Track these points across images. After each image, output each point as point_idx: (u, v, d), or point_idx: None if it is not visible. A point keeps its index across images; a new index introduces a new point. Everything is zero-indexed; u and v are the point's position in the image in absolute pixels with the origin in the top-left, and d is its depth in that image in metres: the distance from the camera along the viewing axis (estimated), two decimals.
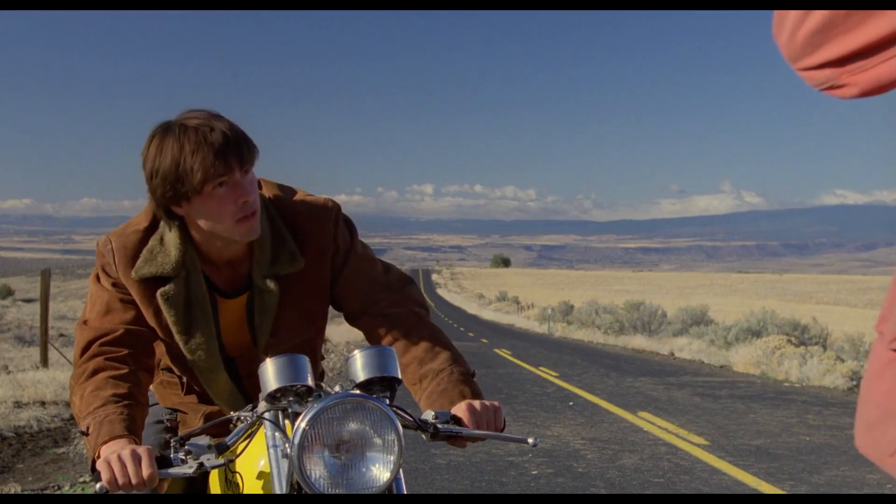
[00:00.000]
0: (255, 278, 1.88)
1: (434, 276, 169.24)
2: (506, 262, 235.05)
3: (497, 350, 21.81)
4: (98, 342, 1.78)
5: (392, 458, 1.49)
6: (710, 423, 8.64)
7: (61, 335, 18.33)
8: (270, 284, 1.87)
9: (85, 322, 1.84)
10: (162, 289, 1.85)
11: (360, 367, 1.61)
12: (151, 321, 1.87)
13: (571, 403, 10.28)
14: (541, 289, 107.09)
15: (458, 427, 1.71)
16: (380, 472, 1.49)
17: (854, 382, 12.50)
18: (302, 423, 1.45)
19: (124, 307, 1.85)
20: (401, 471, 1.57)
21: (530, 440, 1.72)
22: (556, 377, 13.94)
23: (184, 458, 1.50)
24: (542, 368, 15.73)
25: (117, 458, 1.50)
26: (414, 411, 1.74)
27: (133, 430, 1.61)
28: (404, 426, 1.64)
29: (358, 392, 1.53)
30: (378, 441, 1.49)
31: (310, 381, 1.54)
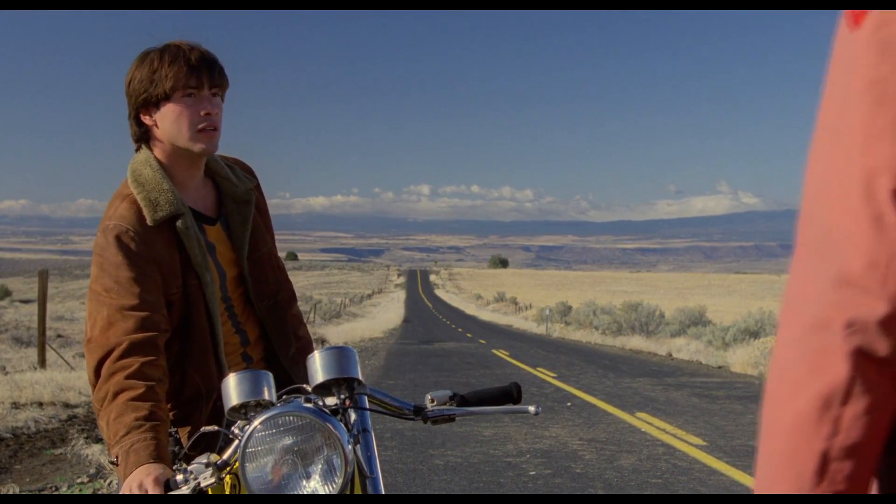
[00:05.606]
0: (225, 193, 2.04)
1: (432, 277, 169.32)
2: (503, 263, 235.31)
3: (495, 351, 21.81)
4: (109, 359, 1.74)
5: (335, 476, 1.47)
6: (708, 424, 8.65)
7: (59, 336, 18.32)
8: (242, 196, 2.05)
9: (90, 341, 1.80)
10: (178, 224, 1.90)
11: (318, 367, 1.58)
12: (176, 269, 1.90)
13: (569, 404, 10.28)
14: (539, 289, 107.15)
15: (450, 409, 1.71)
16: (320, 485, 1.47)
17: None
18: (248, 430, 1.46)
19: (136, 302, 1.80)
20: (378, 472, 1.56)
21: (531, 408, 1.72)
22: (553, 378, 13.95)
23: (184, 478, 1.53)
24: (539, 369, 15.74)
25: (137, 488, 1.61)
26: (417, 398, 1.75)
27: (157, 454, 1.65)
28: (384, 413, 1.67)
29: (309, 406, 1.51)
30: (320, 456, 1.48)
31: (267, 396, 1.55)
